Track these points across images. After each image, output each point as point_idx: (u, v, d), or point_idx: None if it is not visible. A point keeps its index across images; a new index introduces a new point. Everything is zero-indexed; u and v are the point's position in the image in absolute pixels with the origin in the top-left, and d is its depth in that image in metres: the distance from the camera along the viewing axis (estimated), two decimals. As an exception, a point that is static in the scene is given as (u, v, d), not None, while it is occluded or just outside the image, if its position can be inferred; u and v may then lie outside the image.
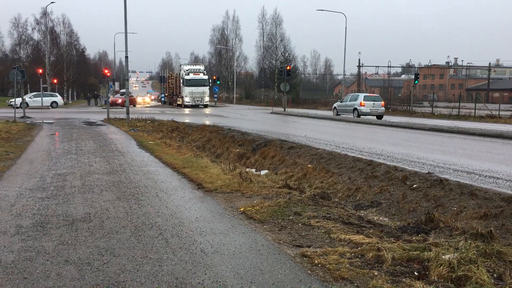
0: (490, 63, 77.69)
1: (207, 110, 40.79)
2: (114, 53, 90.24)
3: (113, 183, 8.21)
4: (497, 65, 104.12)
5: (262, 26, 76.43)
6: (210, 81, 50.54)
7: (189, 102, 47.02)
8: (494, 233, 5.39)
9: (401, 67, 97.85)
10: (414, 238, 5.41)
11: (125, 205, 6.66)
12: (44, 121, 24.65)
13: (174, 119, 24.75)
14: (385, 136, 16.82)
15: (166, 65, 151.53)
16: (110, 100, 50.18)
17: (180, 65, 53.48)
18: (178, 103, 51.50)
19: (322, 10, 50.17)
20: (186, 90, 47.15)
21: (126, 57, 25.33)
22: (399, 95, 78.81)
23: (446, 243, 4.94)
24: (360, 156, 10.73)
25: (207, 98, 48.24)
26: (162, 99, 70.79)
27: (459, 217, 6.28)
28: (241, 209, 6.42)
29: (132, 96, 58.19)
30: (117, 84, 77.11)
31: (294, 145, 13.30)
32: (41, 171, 9.45)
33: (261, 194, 7.45)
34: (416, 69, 77.30)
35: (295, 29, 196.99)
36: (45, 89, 53.91)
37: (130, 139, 16.06)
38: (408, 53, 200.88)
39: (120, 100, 52.26)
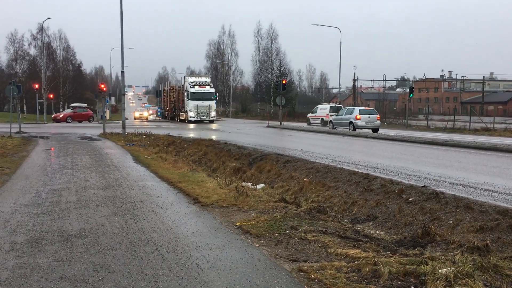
0: (484, 76, 78.36)
1: (213, 126, 37.85)
2: (111, 68, 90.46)
3: (109, 198, 8.17)
4: (491, 78, 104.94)
5: (258, 40, 76.98)
6: (217, 94, 47.51)
7: (193, 117, 43.14)
8: (491, 246, 5.39)
9: (396, 80, 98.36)
10: (410, 252, 5.40)
11: (121, 220, 6.62)
12: (40, 136, 24.59)
13: (170, 134, 24.75)
14: (381, 149, 16.86)
15: (163, 79, 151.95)
16: (52, 116, 48.01)
17: (184, 77, 49.34)
18: (181, 118, 47.35)
19: (317, 25, 50.43)
20: (191, 104, 43.25)
21: (123, 72, 25.43)
22: (394, 108, 79.18)
23: (443, 256, 4.93)
24: (356, 169, 10.74)
25: (213, 113, 44.50)
26: (159, 113, 70.82)
27: (456, 230, 6.28)
28: (238, 224, 6.40)
29: (86, 109, 50.60)
30: (113, 98, 77.15)
31: (290, 159, 13.31)
32: (36, 186, 9.41)
33: (258, 208, 7.44)
34: (411, 82, 77.78)
35: (290, 43, 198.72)
36: (41, 104, 53.84)
37: (126, 153, 16.03)
38: (403, 67, 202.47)
39: (61, 115, 47.91)
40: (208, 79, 46.92)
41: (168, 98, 55.80)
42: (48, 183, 9.80)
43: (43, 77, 60.79)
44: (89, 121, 47.62)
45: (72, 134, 26.94)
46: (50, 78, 65.06)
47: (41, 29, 61.75)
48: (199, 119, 43.23)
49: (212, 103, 44.20)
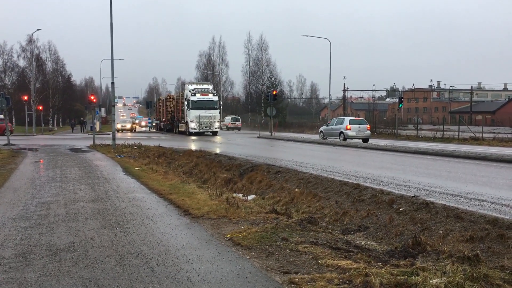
0: (472, 86, 79.40)
1: (218, 139, 33.83)
2: (101, 79, 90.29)
3: (98, 211, 8.10)
4: (479, 88, 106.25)
5: (248, 51, 77.47)
6: (221, 103, 43.32)
7: (195, 129, 38.86)
8: (481, 256, 5.41)
9: (386, 90, 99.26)
10: (401, 262, 5.40)
11: (110, 233, 6.56)
12: (28, 148, 24.37)
13: (160, 145, 24.66)
14: (371, 159, 16.93)
15: (153, 90, 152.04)
16: None
17: (184, 84, 45.77)
18: (180, 129, 43.20)
19: (307, 35, 50.82)
20: (192, 114, 38.85)
21: (113, 83, 25.35)
22: (384, 118, 79.69)
23: (434, 267, 4.93)
24: (346, 180, 10.77)
25: (217, 124, 40.03)
26: (149, 124, 70.49)
27: (446, 240, 6.30)
28: (228, 236, 6.37)
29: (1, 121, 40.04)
30: (103, 110, 76.91)
31: (281, 169, 13.31)
32: (25, 199, 9.30)
33: (248, 219, 7.41)
34: (400, 92, 78.53)
35: (280, 54, 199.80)
36: (30, 116, 53.49)
37: (116, 165, 15.93)
38: (392, 77, 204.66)
39: None
40: (210, 86, 42.45)
41: (165, 108, 51.34)
42: (37, 196, 9.69)
43: (32, 89, 60.49)
44: (4, 135, 31.05)
45: (61, 146, 26.74)
46: (40, 90, 64.70)
47: (31, 40, 61.51)
48: (201, 130, 39.15)
49: (216, 113, 39.77)
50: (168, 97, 50.70)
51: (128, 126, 59.22)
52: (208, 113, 39.15)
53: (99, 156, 19.83)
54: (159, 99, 57.93)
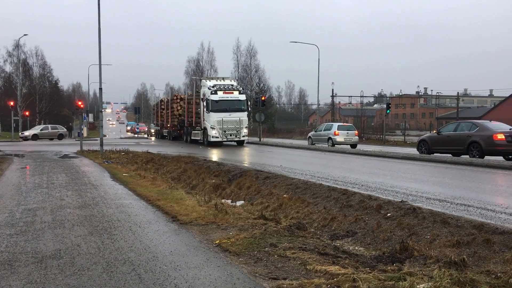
0: (458, 92, 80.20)
1: (246, 150, 26.98)
2: (88, 85, 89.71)
3: (85, 218, 8.03)
4: (465, 94, 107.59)
5: (237, 57, 77.45)
6: (250, 104, 32.45)
7: (217, 137, 28.92)
8: (467, 260, 5.46)
9: (374, 96, 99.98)
10: (389, 267, 5.43)
11: (97, 240, 6.50)
12: (15, 154, 24.10)
13: (149, 150, 24.54)
14: (359, 165, 17.03)
15: (141, 96, 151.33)
16: None
17: (201, 80, 34.65)
18: (194, 137, 33.19)
19: (296, 42, 50.99)
20: (213, 118, 28.78)
21: (100, 89, 25.23)
22: (372, 124, 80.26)
23: (421, 272, 4.97)
24: (335, 185, 10.80)
25: (245, 131, 29.88)
26: (137, 130, 69.92)
27: (433, 245, 6.35)
28: (217, 242, 6.35)
29: None
30: (91, 115, 76.38)
31: (270, 175, 13.32)
32: (10, 206, 9.18)
33: (237, 225, 7.40)
34: (388, 98, 79.10)
35: (269, 60, 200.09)
36: (16, 122, 52.94)
37: (104, 171, 15.82)
38: (380, 83, 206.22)
39: None
40: (235, 82, 32.09)
41: (169, 111, 40.13)
42: (23, 203, 9.58)
43: (19, 94, 59.95)
44: None
45: (48, 152, 26.48)
46: (26, 95, 64.14)
47: (17, 45, 61.04)
48: (225, 139, 29.37)
49: (244, 116, 29.75)
50: (175, 98, 39.15)
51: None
52: (234, 116, 29.17)
53: (86, 162, 19.67)
54: (161, 100, 47.00)
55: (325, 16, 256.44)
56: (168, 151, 24.21)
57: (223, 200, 10.85)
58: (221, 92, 29.32)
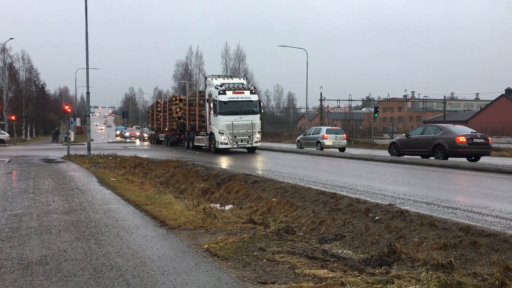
0: (445, 96, 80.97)
1: (259, 158, 23.31)
2: (76, 89, 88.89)
3: (72, 223, 7.95)
4: (452, 98, 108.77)
5: (226, 61, 77.54)
6: (262, 104, 27.72)
7: (226, 143, 25.31)
8: (454, 263, 5.50)
9: (362, 100, 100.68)
10: (377, 270, 5.45)
11: (84, 245, 6.44)
12: (0, 160, 23.80)
13: (137, 155, 24.40)
14: (348, 168, 17.09)
15: (130, 100, 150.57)
16: None
17: (206, 78, 28.91)
18: (198, 143, 29.19)
19: (284, 46, 51.08)
20: (221, 122, 25.18)
21: (88, 93, 25.07)
22: (360, 127, 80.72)
23: (408, 275, 5.00)
24: (323, 189, 10.83)
25: (257, 136, 26.16)
26: (126, 134, 69.23)
27: (420, 248, 6.39)
28: (205, 246, 6.33)
29: None
30: (78, 120, 75.74)
31: (259, 179, 13.31)
32: (-4, 212, 9.05)
33: (226, 230, 7.38)
34: (375, 102, 79.79)
35: (258, 64, 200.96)
36: (2, 126, 52.33)
37: (91, 176, 15.70)
38: (368, 87, 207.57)
39: None
40: (244, 81, 28.36)
41: (167, 114, 36.12)
42: (8, 208, 9.46)
43: (5, 98, 59.31)
44: None
45: (34, 156, 26.20)
46: (12, 100, 63.47)
47: (3, 49, 60.50)
48: (235, 145, 25.69)
49: (256, 119, 25.99)
50: (174, 99, 35.21)
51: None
52: (245, 119, 25.51)
53: (73, 166, 19.50)
54: (157, 102, 42.20)
55: (313, 20, 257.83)
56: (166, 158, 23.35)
57: (211, 205, 10.83)
58: (230, 92, 25.52)
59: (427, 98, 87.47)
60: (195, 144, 29.61)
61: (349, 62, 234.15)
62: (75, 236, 7.02)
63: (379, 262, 6.05)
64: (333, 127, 35.97)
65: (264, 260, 5.70)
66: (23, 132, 69.58)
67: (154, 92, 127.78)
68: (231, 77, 28.35)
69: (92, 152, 24.36)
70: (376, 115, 43.82)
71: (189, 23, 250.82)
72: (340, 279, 4.75)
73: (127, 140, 61.09)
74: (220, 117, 25.29)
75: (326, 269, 5.30)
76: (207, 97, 26.89)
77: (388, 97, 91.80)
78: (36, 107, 71.45)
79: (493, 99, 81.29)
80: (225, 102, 25.30)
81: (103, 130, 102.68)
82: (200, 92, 29.86)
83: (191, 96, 31.95)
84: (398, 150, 21.44)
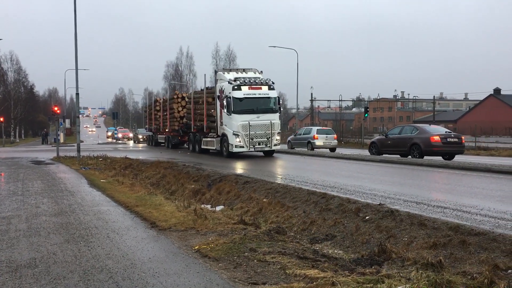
0: (434, 96, 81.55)
1: (280, 164, 20.04)
2: (65, 90, 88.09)
3: (61, 225, 7.88)
4: (441, 98, 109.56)
5: (216, 62, 77.23)
6: (280, 101, 24.07)
7: (241, 146, 21.91)
8: (444, 262, 5.54)
9: (352, 100, 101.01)
10: (367, 270, 5.47)
11: (74, 248, 6.39)
12: (-12, 161, 23.56)
13: (127, 156, 24.29)
14: (338, 168, 17.15)
15: (120, 101, 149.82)
16: None
17: (216, 72, 25.51)
18: (206, 146, 25.65)
19: (274, 46, 51.08)
20: (236, 122, 21.82)
21: (77, 94, 24.88)
22: (351, 127, 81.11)
23: (398, 274, 5.02)
24: (314, 189, 10.85)
25: (277, 138, 22.68)
26: (116, 135, 68.66)
27: (410, 247, 6.42)
28: (196, 247, 6.31)
29: None
30: (67, 121, 75.19)
31: (250, 179, 13.30)
32: (-16, 214, 8.96)
33: (216, 230, 7.37)
34: (366, 102, 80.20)
35: (249, 64, 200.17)
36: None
37: (81, 177, 15.59)
38: (358, 87, 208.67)
39: None
40: (260, 75, 24.23)
41: (167, 114, 33.33)
42: (-3, 211, 9.36)
43: (-7, 100, 58.68)
44: None
45: (23, 158, 25.97)
46: (1, 101, 62.95)
47: (-9, 50, 59.83)
48: (252, 149, 22.16)
49: (276, 119, 22.76)
50: (176, 97, 32.21)
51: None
52: (263, 119, 22.20)
53: (63, 168, 19.36)
54: (155, 100, 38.74)
55: (304, 20, 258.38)
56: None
57: (202, 206, 10.80)
58: (246, 87, 22.23)
59: (416, 98, 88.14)
60: (202, 147, 26.23)
61: (339, 61, 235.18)
62: (64, 238, 6.97)
63: (369, 262, 6.08)
64: (323, 128, 36.06)
65: (255, 260, 5.70)
66: (12, 133, 68.94)
67: (145, 93, 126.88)
68: (244, 70, 24.58)
69: (82, 153, 24.20)
70: (366, 115, 43.96)
71: (179, 24, 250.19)
72: (331, 279, 4.76)
73: (119, 141, 59.11)
74: (234, 116, 21.92)
75: (317, 269, 5.31)
76: (217, 93, 23.56)
77: (378, 97, 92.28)
78: (25, 109, 70.92)
79: (481, 99, 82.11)
80: (240, 99, 21.94)
81: (93, 132, 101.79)
82: (208, 88, 26.37)
83: (197, 94, 28.37)
84: (378, 150, 22.39)
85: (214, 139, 24.14)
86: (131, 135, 64.62)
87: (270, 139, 22.27)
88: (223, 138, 22.91)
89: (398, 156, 20.61)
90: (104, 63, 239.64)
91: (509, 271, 5.13)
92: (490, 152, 28.41)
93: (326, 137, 30.15)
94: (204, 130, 25.71)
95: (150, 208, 9.27)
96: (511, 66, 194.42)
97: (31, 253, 6.17)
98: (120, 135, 65.38)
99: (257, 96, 22.45)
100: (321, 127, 36.28)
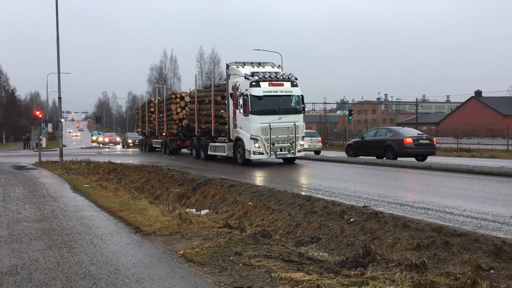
0: (417, 98, 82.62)
1: (305, 172, 17.38)
2: (47, 94, 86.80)
3: (44, 231, 7.77)
4: (424, 100, 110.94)
5: (201, 65, 77.24)
6: (304, 99, 20.26)
7: (261, 153, 18.64)
8: (427, 263, 5.59)
9: (336, 103, 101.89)
10: (352, 272, 5.49)
11: (57, 254, 6.30)
12: (-32, 167, 23.13)
13: (111, 160, 24.05)
14: (323, 171, 17.22)
15: (103, 104, 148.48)
16: None
17: (228, 66, 21.10)
18: (213, 152, 22.33)
19: (259, 50, 51.20)
20: (255, 124, 18.64)
21: (59, 98, 24.62)
22: (336, 130, 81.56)
23: (383, 276, 5.05)
24: (299, 192, 10.88)
25: (301, 143, 19.53)
26: (105, 139, 66.93)
27: (394, 249, 6.47)
28: (181, 252, 6.27)
29: None
30: (50, 125, 74.20)
31: (235, 183, 13.28)
32: (-37, 221, 8.78)
33: (202, 235, 7.33)
34: (350, 105, 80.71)
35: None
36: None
37: (64, 182, 15.40)
38: (343, 90, 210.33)
39: None
40: (280, 69, 21.12)
41: (163, 116, 30.33)
42: (-23, 217, 9.18)
43: (-27, 104, 57.68)
44: None
45: (4, 163, 25.56)
46: (-19, 105, 61.85)
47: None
48: (273, 155, 18.85)
49: (300, 121, 19.55)
50: (174, 97, 29.15)
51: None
52: (286, 121, 18.99)
53: (45, 173, 19.10)
54: (149, 101, 35.73)
55: (286, 24, 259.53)
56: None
57: (187, 210, 10.74)
58: (266, 83, 18.98)
59: (399, 100, 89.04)
60: (208, 153, 22.76)
61: (324, 64, 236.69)
62: (46, 244, 6.87)
63: (354, 264, 6.10)
64: (308, 130, 36.18)
65: (241, 264, 5.68)
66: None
67: (128, 97, 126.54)
68: (260, 64, 21.05)
69: (65, 158, 23.90)
70: (350, 118, 44.37)
71: (163, 28, 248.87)
72: (316, 281, 4.77)
73: (106, 146, 56.67)
74: (253, 117, 18.61)
75: (302, 272, 5.31)
76: (230, 90, 20.23)
77: (362, 100, 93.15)
78: (6, 113, 69.88)
79: (463, 101, 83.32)
80: (260, 97, 18.69)
81: (78, 137, 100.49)
82: (216, 86, 23.43)
83: (202, 92, 25.17)
84: (355, 151, 23.36)
85: (225, 144, 20.79)
86: (118, 139, 62.70)
87: (293, 144, 19.04)
88: (237, 143, 19.69)
89: (375, 157, 21.29)
90: (87, 66, 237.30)
91: (491, 271, 5.20)
92: (471, 153, 28.82)
93: (311, 139, 30.23)
94: (212, 134, 22.41)
95: (134, 213, 9.19)
96: (492, 69, 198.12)
97: (12, 260, 6.06)
98: (106, 140, 62.48)
99: (278, 93, 19.23)
100: (306, 130, 36.37)
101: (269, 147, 18.56)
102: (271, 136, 18.58)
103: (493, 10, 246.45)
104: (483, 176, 13.78)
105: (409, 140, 20.54)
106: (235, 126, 19.85)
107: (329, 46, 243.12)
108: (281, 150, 18.92)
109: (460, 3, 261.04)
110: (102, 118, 70.84)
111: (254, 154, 18.64)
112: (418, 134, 21.84)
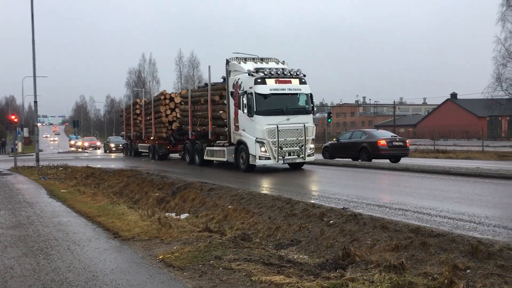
0: (394, 101, 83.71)
1: (315, 180, 15.43)
2: (23, 98, 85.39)
3: (19, 238, 7.61)
4: (401, 103, 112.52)
5: (180, 68, 76.93)
6: (313, 98, 18.17)
7: (268, 158, 16.56)
8: (406, 264, 5.65)
9: (316, 106, 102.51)
10: (332, 274, 5.53)
11: (33, 261, 6.18)
12: None
13: (89, 165, 23.72)
14: (302, 174, 17.29)
15: (81, 108, 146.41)
16: None
17: (228, 62, 18.67)
18: (210, 157, 20.47)
19: (238, 53, 51.14)
20: (261, 126, 16.56)
21: (35, 102, 24.19)
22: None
23: (362, 277, 5.10)
24: (279, 194, 10.90)
25: (311, 146, 17.44)
26: (85, 144, 65.62)
27: (373, 250, 6.53)
28: (160, 257, 6.22)
29: None
30: (26, 130, 72.80)
31: (215, 186, 13.24)
32: None
33: (181, 239, 7.29)
34: (329, 108, 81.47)
35: (213, 71, 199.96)
36: None
37: (40, 188, 15.12)
38: (322, 92, 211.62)
39: None
40: (285, 65, 18.95)
41: (151, 119, 28.20)
42: (-51, 225, 8.94)
43: None
44: None
45: (-22, 169, 24.96)
46: (-47, 109, 60.30)
47: None
48: (281, 160, 16.89)
49: (309, 122, 17.59)
50: (163, 98, 27.00)
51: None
52: (295, 122, 17.11)
53: (21, 179, 18.73)
54: (135, 103, 33.21)
55: (264, 26, 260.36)
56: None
57: (167, 214, 10.66)
58: (272, 80, 17.08)
59: (377, 103, 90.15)
60: (205, 158, 20.75)
61: (302, 67, 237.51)
62: (22, 251, 6.73)
63: (334, 266, 6.14)
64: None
65: (221, 268, 5.66)
66: (-34, 143, 66.21)
67: (107, 101, 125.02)
68: (263, 60, 19.20)
69: (41, 163, 23.49)
70: (329, 120, 44.44)
71: (141, 31, 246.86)
72: (296, 284, 4.79)
73: (86, 150, 54.45)
74: (258, 118, 16.70)
75: (283, 275, 5.32)
76: (231, 89, 18.23)
77: (341, 103, 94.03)
78: (-21, 117, 68.22)
79: (439, 103, 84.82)
80: (266, 96, 16.79)
81: (56, 142, 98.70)
82: (213, 84, 20.81)
83: (196, 92, 23.15)
84: (331, 154, 23.76)
85: (225, 148, 18.83)
86: (98, 143, 60.94)
87: (302, 148, 17.07)
88: (239, 147, 17.73)
89: (350, 159, 21.59)
90: (63, 69, 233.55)
91: (468, 271, 5.29)
92: (448, 154, 29.31)
93: (291, 142, 30.37)
94: (209, 137, 20.22)
95: (113, 218, 9.08)
96: (466, 72, 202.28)
97: (-13, 268, 5.92)
98: (86, 144, 60.20)
99: (286, 92, 17.31)
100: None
101: (277, 152, 16.64)
102: (279, 139, 16.66)
103: (469, 15, 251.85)
104: (459, 177, 14.03)
105: (383, 142, 20.98)
106: (236, 128, 17.92)
107: (307, 49, 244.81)
108: (289, 155, 17.00)
109: (436, 8, 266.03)
110: (79, 122, 69.80)
111: (260, 159, 16.69)
112: (391, 136, 22.39)
